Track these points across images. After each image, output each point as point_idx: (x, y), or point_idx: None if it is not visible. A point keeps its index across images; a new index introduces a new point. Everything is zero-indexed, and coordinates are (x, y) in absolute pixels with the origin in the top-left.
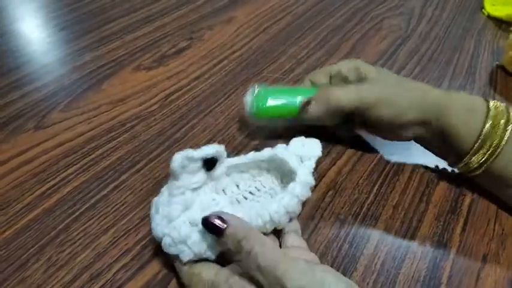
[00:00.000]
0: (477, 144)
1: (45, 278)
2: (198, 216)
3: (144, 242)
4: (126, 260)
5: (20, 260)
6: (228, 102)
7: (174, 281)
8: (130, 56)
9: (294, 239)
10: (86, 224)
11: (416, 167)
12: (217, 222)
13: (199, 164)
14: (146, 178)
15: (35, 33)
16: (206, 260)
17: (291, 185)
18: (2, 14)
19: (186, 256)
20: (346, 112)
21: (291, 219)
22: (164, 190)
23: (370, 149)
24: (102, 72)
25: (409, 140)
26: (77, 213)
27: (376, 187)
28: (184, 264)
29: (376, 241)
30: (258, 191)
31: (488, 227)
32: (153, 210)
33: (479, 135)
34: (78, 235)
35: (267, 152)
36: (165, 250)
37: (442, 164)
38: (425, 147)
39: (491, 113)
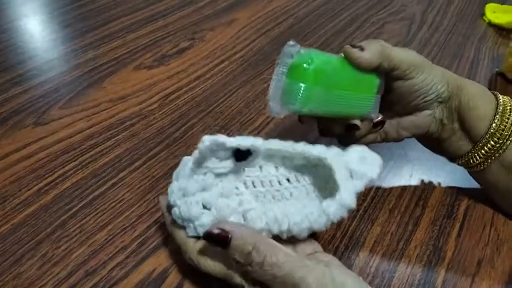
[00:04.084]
0: (493, 124)
1: (40, 273)
2: (214, 201)
3: (140, 240)
4: (122, 257)
5: (15, 255)
6: (227, 103)
7: (168, 280)
8: (131, 54)
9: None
10: (83, 221)
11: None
12: (220, 233)
13: (230, 153)
14: (144, 176)
15: (38, 30)
16: None
17: (326, 202)
18: (7, 10)
19: (191, 232)
20: (389, 68)
21: (314, 233)
22: (190, 165)
23: None
24: (103, 70)
25: (421, 132)
26: (74, 210)
27: (373, 190)
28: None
29: (372, 244)
30: (297, 181)
31: (484, 232)
32: (174, 175)
33: (495, 113)
34: (75, 231)
35: (316, 152)
36: (174, 218)
37: (436, 178)
38: (430, 145)
39: (500, 100)
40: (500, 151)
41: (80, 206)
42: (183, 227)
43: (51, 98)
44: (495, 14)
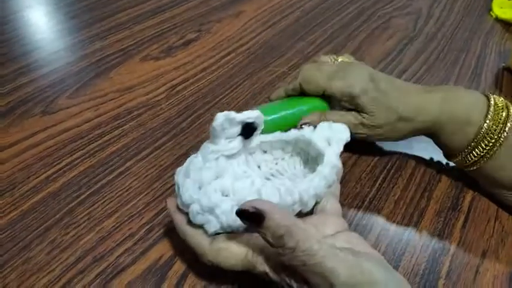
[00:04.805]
0: (471, 145)
1: (48, 259)
2: (230, 186)
3: (147, 227)
4: (129, 244)
5: (24, 240)
6: (233, 94)
7: (175, 267)
8: (138, 46)
9: (331, 202)
10: (91, 208)
11: (418, 164)
12: (255, 212)
13: (239, 129)
14: (151, 165)
15: (45, 20)
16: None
17: (320, 167)
18: (12, 1)
19: (212, 227)
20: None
21: (316, 203)
22: (193, 158)
23: (371, 146)
24: (110, 60)
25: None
26: (82, 197)
27: (378, 182)
28: (209, 236)
29: (377, 234)
30: (280, 174)
31: (489, 224)
32: (179, 179)
33: (474, 138)
34: (83, 218)
35: (293, 133)
36: (191, 219)
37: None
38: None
39: (490, 115)
40: (485, 159)
41: (87, 193)
42: (200, 227)
43: (58, 88)
44: (502, 9)
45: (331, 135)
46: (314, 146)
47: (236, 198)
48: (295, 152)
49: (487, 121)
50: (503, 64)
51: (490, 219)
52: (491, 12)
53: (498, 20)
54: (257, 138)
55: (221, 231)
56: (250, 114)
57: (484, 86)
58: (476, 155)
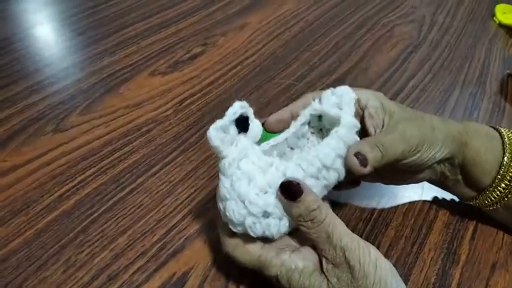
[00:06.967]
0: (499, 176)
1: (64, 278)
2: (264, 182)
3: (160, 244)
4: (143, 261)
5: (40, 259)
6: None
7: (188, 284)
8: (146, 61)
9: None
10: (104, 226)
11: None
12: (297, 185)
13: (234, 128)
14: (162, 181)
15: (54, 38)
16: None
17: (334, 130)
18: (22, 19)
19: (274, 227)
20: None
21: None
22: (222, 177)
23: None
24: (119, 76)
25: (422, 181)
26: (95, 215)
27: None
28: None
29: (386, 247)
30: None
31: (497, 235)
32: (219, 206)
33: (501, 165)
34: (96, 236)
35: (304, 116)
36: (251, 233)
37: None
38: (437, 185)
39: (507, 141)
40: (506, 199)
41: (100, 211)
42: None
43: (69, 105)
44: (505, 14)
45: (339, 100)
46: (327, 116)
47: (274, 189)
48: (315, 130)
49: (507, 152)
50: (508, 71)
51: (499, 231)
52: (494, 18)
53: (501, 25)
54: (256, 124)
55: (286, 231)
56: (234, 110)
57: (489, 93)
58: (490, 200)
